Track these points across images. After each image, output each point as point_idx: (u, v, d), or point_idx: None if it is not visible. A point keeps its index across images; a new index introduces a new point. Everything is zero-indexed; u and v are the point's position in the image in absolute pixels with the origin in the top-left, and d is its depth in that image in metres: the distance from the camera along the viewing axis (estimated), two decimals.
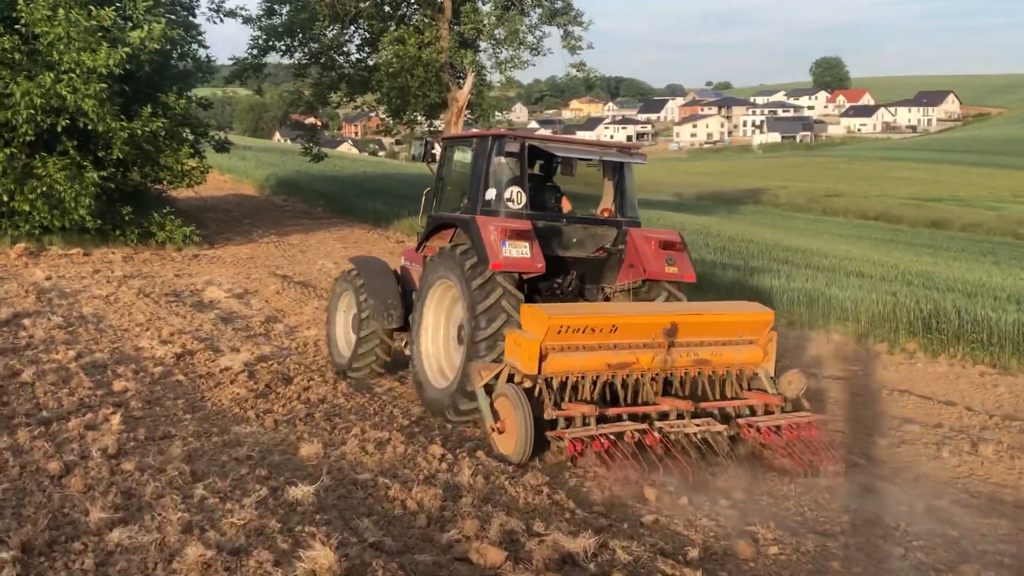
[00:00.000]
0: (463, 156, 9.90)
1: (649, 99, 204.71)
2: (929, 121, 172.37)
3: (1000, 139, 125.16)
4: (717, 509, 6.93)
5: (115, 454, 6.63)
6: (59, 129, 18.87)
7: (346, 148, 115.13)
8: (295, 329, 13.24)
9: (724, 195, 77.37)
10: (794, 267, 23.11)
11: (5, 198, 19.11)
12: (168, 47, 22.00)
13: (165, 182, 23.23)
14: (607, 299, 9.50)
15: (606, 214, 9.76)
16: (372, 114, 36.92)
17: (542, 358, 7.59)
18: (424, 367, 9.16)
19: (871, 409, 10.38)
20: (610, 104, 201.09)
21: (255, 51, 30.15)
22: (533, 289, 9.01)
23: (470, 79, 29.17)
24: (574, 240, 9.33)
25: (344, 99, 32.14)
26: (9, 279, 15.34)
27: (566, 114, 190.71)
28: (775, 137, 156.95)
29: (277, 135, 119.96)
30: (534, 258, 8.40)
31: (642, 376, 8.05)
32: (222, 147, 24.57)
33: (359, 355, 10.30)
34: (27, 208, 19.22)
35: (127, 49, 18.98)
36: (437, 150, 10.43)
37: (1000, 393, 11.34)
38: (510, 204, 8.87)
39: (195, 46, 23.53)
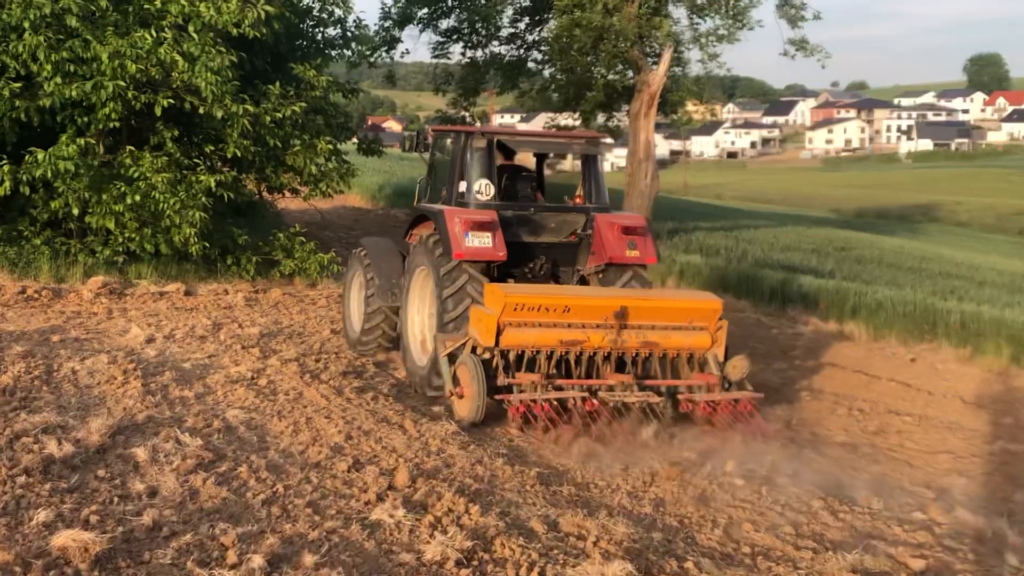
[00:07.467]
0: (449, 147, 10.84)
1: (774, 100, 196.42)
2: None
3: None
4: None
5: None
6: (158, 112, 14.17)
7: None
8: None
9: (889, 211, 72.08)
10: None
11: (76, 211, 14.43)
12: (308, 4, 17.52)
13: (287, 191, 18.39)
14: (583, 280, 10.57)
15: (579, 200, 10.86)
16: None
17: (499, 332, 8.93)
18: (410, 345, 10.29)
19: None
20: (729, 106, 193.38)
21: (388, 22, 25.43)
22: (507, 274, 10.18)
23: (667, 56, 23.46)
24: (551, 226, 10.46)
25: (498, 88, 27.21)
26: (92, 342, 10.55)
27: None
28: (926, 144, 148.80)
29: (354, 139, 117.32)
30: (496, 247, 9.57)
31: (594, 354, 9.22)
32: (371, 149, 19.80)
33: (366, 330, 11.23)
34: (110, 225, 14.50)
35: (269, 7, 14.28)
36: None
37: None
38: (479, 196, 10.00)
39: (333, 6, 18.68)
